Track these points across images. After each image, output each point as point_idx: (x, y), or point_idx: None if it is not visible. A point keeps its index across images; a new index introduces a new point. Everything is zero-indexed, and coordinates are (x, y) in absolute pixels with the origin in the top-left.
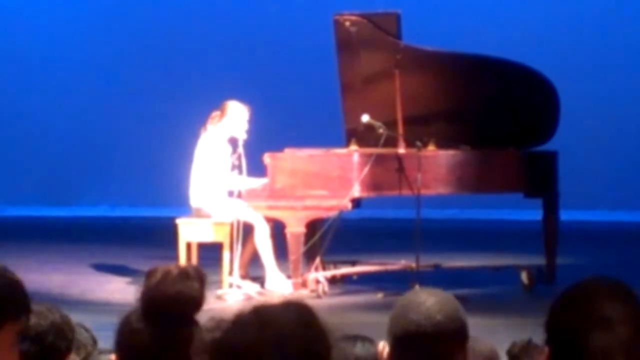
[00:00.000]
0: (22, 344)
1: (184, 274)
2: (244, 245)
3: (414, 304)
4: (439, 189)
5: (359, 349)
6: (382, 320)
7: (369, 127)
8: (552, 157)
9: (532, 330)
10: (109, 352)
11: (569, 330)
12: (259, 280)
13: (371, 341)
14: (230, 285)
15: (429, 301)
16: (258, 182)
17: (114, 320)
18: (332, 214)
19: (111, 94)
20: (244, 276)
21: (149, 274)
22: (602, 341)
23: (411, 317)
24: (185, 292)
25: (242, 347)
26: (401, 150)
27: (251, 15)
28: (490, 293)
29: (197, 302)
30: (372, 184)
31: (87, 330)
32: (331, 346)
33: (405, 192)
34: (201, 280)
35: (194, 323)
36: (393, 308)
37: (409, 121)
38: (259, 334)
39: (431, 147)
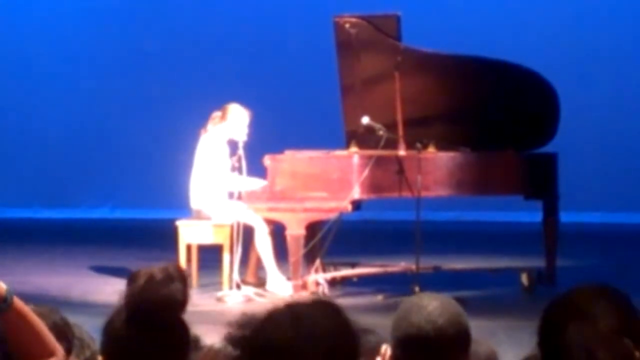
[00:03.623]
0: None
1: (168, 277)
2: (249, 252)
3: (416, 307)
4: (439, 191)
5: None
6: (382, 322)
7: (369, 129)
8: (552, 159)
9: (532, 333)
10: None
11: (554, 328)
12: (260, 281)
13: (373, 332)
14: (238, 286)
15: (431, 305)
16: (258, 183)
17: None
18: (332, 215)
19: (111, 96)
20: (257, 284)
21: (132, 278)
22: (584, 336)
23: (413, 320)
24: (170, 296)
25: (277, 343)
26: (401, 152)
27: (251, 17)
28: (490, 295)
29: (181, 304)
30: (372, 185)
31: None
32: (360, 344)
33: (406, 194)
34: (184, 280)
35: (180, 323)
36: (396, 311)
37: (409, 123)
38: (293, 330)
39: (431, 149)
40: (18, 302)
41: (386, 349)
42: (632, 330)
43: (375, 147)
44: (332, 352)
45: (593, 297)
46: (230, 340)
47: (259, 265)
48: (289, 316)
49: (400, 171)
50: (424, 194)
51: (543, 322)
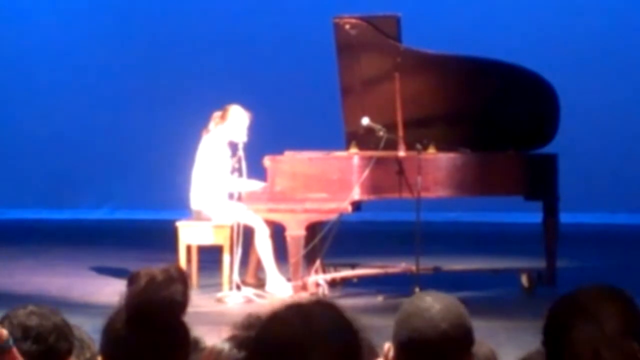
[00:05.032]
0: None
1: (169, 278)
2: (249, 253)
3: (419, 311)
4: (439, 192)
5: None
6: (382, 323)
7: (369, 129)
8: (552, 159)
9: (532, 333)
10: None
11: (560, 327)
12: (260, 282)
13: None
14: (238, 287)
15: (434, 308)
16: (258, 185)
17: None
18: (332, 216)
19: (111, 98)
20: (256, 285)
21: (133, 279)
22: (590, 335)
23: (415, 324)
24: (170, 298)
25: (286, 341)
26: (401, 153)
27: (251, 18)
28: (490, 296)
29: (182, 305)
30: (372, 186)
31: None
32: (363, 342)
33: (406, 194)
34: (185, 282)
35: (180, 325)
36: (398, 312)
37: (409, 124)
38: (303, 328)
39: (431, 150)
40: (15, 353)
41: (389, 348)
42: (638, 331)
43: (375, 148)
44: (341, 349)
45: (599, 298)
46: (236, 341)
47: (259, 266)
48: (297, 314)
49: (400, 172)
50: (424, 194)
51: (548, 321)
